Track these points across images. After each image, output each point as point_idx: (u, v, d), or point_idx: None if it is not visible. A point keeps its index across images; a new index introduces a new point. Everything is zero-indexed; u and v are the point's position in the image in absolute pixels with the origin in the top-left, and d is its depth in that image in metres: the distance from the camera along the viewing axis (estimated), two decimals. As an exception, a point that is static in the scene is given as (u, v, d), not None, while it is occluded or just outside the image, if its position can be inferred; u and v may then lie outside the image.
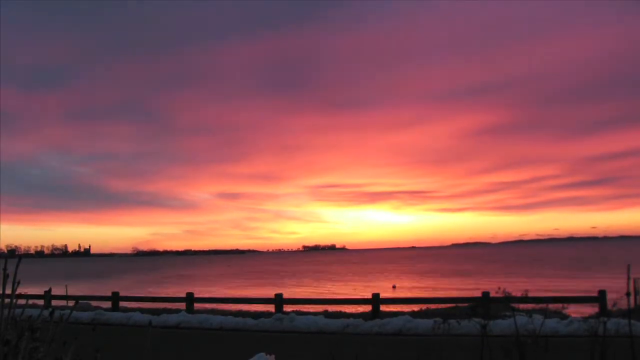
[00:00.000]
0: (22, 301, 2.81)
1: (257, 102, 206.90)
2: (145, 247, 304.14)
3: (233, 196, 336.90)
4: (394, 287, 41.81)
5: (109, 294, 20.73)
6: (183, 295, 19.11)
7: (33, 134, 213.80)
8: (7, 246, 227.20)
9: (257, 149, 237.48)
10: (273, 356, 4.17)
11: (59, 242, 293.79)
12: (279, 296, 17.36)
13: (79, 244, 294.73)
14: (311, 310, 17.87)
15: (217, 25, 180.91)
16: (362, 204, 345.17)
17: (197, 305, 18.54)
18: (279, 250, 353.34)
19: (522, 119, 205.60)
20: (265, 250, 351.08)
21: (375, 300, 16.17)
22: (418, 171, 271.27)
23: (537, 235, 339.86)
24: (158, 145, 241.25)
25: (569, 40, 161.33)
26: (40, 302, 19.87)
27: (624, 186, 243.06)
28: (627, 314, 3.37)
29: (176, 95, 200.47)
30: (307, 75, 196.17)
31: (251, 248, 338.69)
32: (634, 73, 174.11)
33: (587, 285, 28.14)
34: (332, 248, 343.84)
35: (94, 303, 21.53)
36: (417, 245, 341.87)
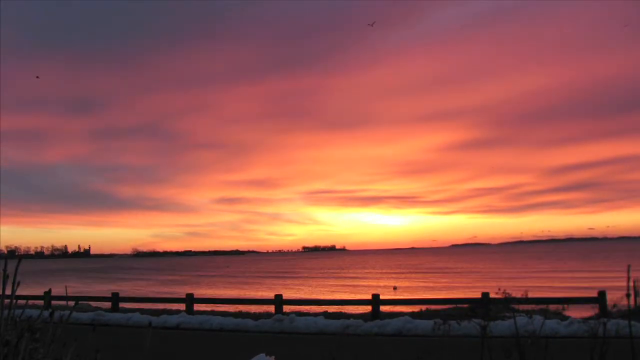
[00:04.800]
0: (22, 302, 2.80)
1: (258, 125, 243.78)
2: (145, 248, 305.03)
3: (231, 201, 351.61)
4: (394, 288, 41.75)
5: (109, 294, 20.74)
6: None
7: (55, 150, 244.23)
8: (7, 247, 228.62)
9: (255, 161, 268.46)
10: (273, 357, 4.16)
11: (59, 243, 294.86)
12: (278, 297, 17.33)
13: (79, 245, 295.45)
14: (311, 311, 17.86)
15: (226, 68, 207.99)
16: (354, 207, 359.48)
17: (196, 306, 18.52)
18: (279, 251, 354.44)
19: (493, 137, 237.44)
20: (265, 251, 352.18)
21: (375, 301, 16.16)
22: (404, 179, 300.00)
23: (534, 236, 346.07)
24: (166, 159, 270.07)
25: (533, 71, 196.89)
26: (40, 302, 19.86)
27: (600, 191, 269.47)
28: (628, 315, 3.37)
29: (188, 120, 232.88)
30: (305, 105, 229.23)
31: (251, 249, 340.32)
32: (592, 99, 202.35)
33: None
34: (332, 249, 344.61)
35: (93, 304, 21.53)
36: (416, 247, 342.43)
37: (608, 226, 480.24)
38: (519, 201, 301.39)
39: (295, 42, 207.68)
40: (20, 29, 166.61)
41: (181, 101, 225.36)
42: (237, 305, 20.10)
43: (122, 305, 19.95)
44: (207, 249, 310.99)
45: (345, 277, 62.80)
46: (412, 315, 15.33)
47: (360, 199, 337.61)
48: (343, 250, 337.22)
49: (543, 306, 13.46)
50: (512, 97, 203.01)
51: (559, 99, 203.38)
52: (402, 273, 67.32)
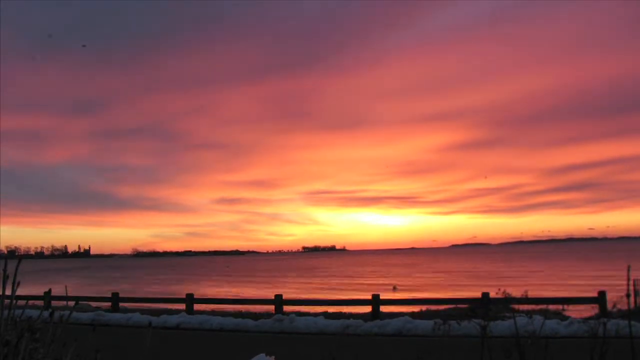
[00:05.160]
0: (22, 302, 2.80)
1: (258, 125, 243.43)
2: (145, 249, 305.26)
3: (231, 201, 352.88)
4: (394, 288, 41.73)
5: (109, 294, 20.74)
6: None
7: (55, 150, 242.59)
8: (7, 247, 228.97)
9: (255, 161, 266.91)
10: (273, 357, 4.16)
11: (59, 243, 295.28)
12: (278, 297, 17.35)
13: (79, 245, 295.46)
14: (311, 311, 17.87)
15: (226, 68, 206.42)
16: (354, 207, 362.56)
17: (196, 306, 18.54)
18: (279, 251, 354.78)
19: (493, 137, 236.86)
20: (265, 251, 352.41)
21: (375, 301, 16.17)
22: (404, 179, 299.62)
23: (534, 236, 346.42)
24: (166, 159, 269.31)
25: (533, 71, 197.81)
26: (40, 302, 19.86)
27: (600, 191, 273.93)
28: (627, 315, 3.37)
29: (188, 120, 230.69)
30: (305, 105, 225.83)
31: (250, 249, 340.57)
32: (593, 99, 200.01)
33: None
34: (332, 249, 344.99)
35: (93, 304, 21.53)
36: (416, 247, 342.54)
37: (608, 226, 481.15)
38: (519, 201, 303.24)
39: (295, 42, 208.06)
40: (21, 29, 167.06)
41: (181, 101, 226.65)
42: (237, 305, 20.10)
43: (122, 305, 19.96)
44: (207, 249, 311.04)
45: (345, 277, 62.89)
46: (412, 315, 15.33)
47: (360, 199, 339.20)
48: (343, 250, 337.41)
49: (543, 306, 13.47)
50: (512, 98, 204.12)
51: (559, 99, 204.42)
52: (402, 273, 67.41)
